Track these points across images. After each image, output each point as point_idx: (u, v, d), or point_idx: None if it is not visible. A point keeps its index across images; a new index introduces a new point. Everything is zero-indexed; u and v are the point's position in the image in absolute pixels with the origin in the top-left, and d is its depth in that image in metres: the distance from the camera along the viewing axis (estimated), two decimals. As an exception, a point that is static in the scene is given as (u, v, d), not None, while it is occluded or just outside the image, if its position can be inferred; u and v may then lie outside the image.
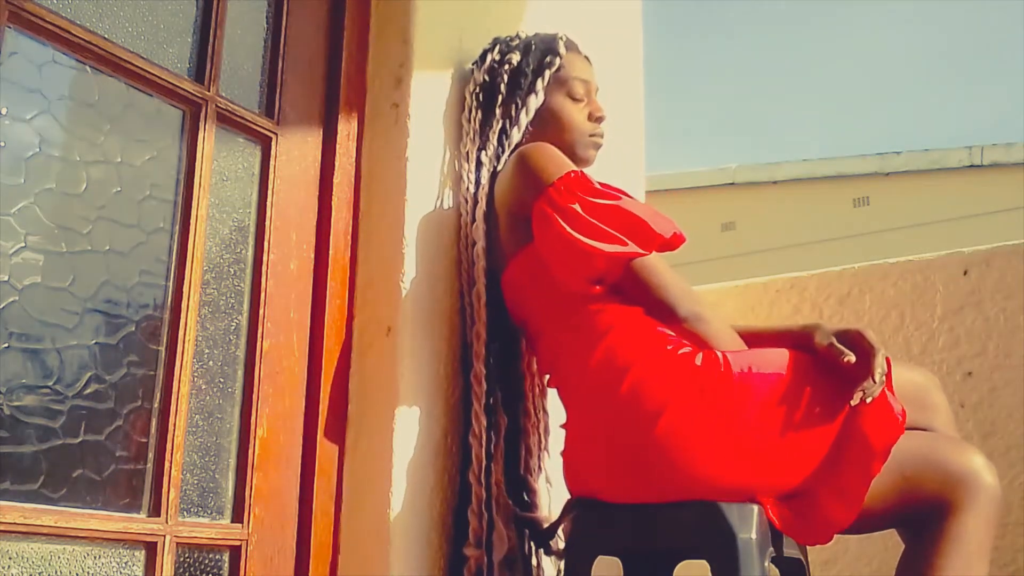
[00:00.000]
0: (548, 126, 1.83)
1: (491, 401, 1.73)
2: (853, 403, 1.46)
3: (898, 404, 1.48)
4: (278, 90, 1.76)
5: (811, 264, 3.01)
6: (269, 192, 1.71)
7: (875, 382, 1.46)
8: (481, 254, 1.77)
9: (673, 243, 1.63)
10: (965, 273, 2.25)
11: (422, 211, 1.81)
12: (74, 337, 1.41)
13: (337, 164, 1.82)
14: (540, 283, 1.66)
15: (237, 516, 1.58)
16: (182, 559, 1.51)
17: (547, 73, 1.84)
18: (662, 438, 1.47)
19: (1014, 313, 2.17)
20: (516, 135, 1.82)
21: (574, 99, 1.85)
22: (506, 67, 1.86)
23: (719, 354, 1.51)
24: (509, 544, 1.67)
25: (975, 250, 2.28)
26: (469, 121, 1.87)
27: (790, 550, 1.53)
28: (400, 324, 1.73)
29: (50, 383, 1.38)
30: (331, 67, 1.86)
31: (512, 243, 1.71)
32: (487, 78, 1.88)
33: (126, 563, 1.43)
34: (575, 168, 1.66)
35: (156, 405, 1.50)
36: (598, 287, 1.60)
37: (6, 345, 1.33)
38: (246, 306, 1.67)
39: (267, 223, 1.70)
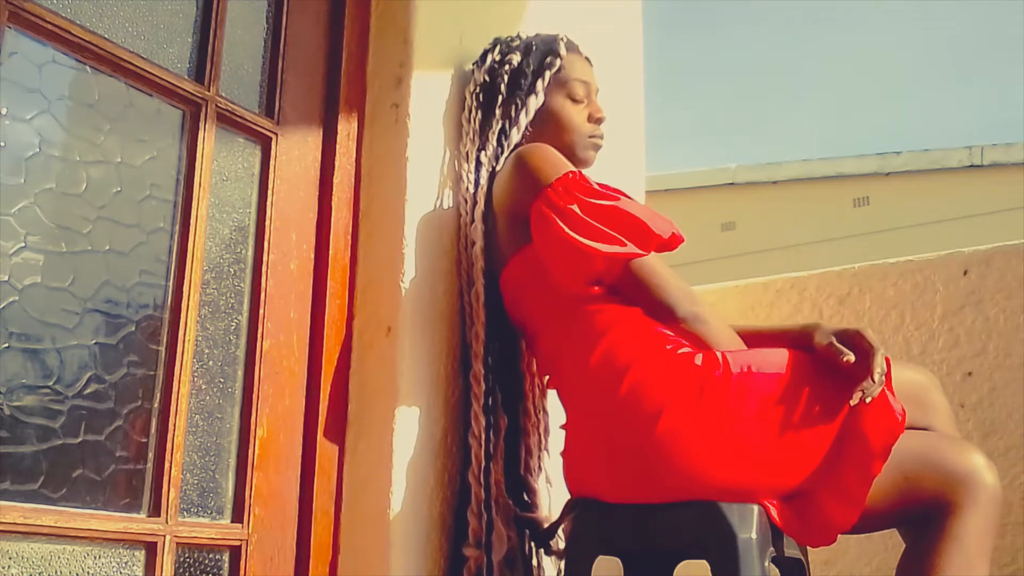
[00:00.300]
0: (548, 127, 1.83)
1: (491, 401, 1.73)
2: (853, 403, 1.46)
3: (898, 404, 1.48)
4: (278, 90, 1.76)
5: (811, 264, 3.02)
6: (269, 192, 1.71)
7: (875, 382, 1.46)
8: (480, 254, 1.77)
9: (671, 243, 1.63)
10: (965, 273, 2.25)
11: (422, 211, 1.81)
12: (74, 337, 1.41)
13: (337, 164, 1.82)
14: (539, 284, 1.66)
15: (237, 516, 1.58)
16: (182, 559, 1.51)
17: (547, 74, 1.84)
18: (662, 438, 1.47)
19: (1014, 313, 2.17)
20: (516, 136, 1.82)
21: (574, 100, 1.85)
22: (506, 68, 1.86)
23: (719, 354, 1.51)
24: (509, 544, 1.68)
25: (975, 250, 2.28)
26: (469, 121, 1.87)
27: (791, 550, 1.53)
28: (400, 324, 1.73)
29: (50, 383, 1.38)
30: (331, 67, 1.86)
31: (511, 244, 1.71)
32: (487, 78, 1.88)
33: (126, 563, 1.43)
34: (573, 169, 1.66)
35: (156, 405, 1.50)
36: (597, 288, 1.60)
37: (6, 345, 1.33)
38: (246, 306, 1.67)
39: (267, 223, 1.70)
